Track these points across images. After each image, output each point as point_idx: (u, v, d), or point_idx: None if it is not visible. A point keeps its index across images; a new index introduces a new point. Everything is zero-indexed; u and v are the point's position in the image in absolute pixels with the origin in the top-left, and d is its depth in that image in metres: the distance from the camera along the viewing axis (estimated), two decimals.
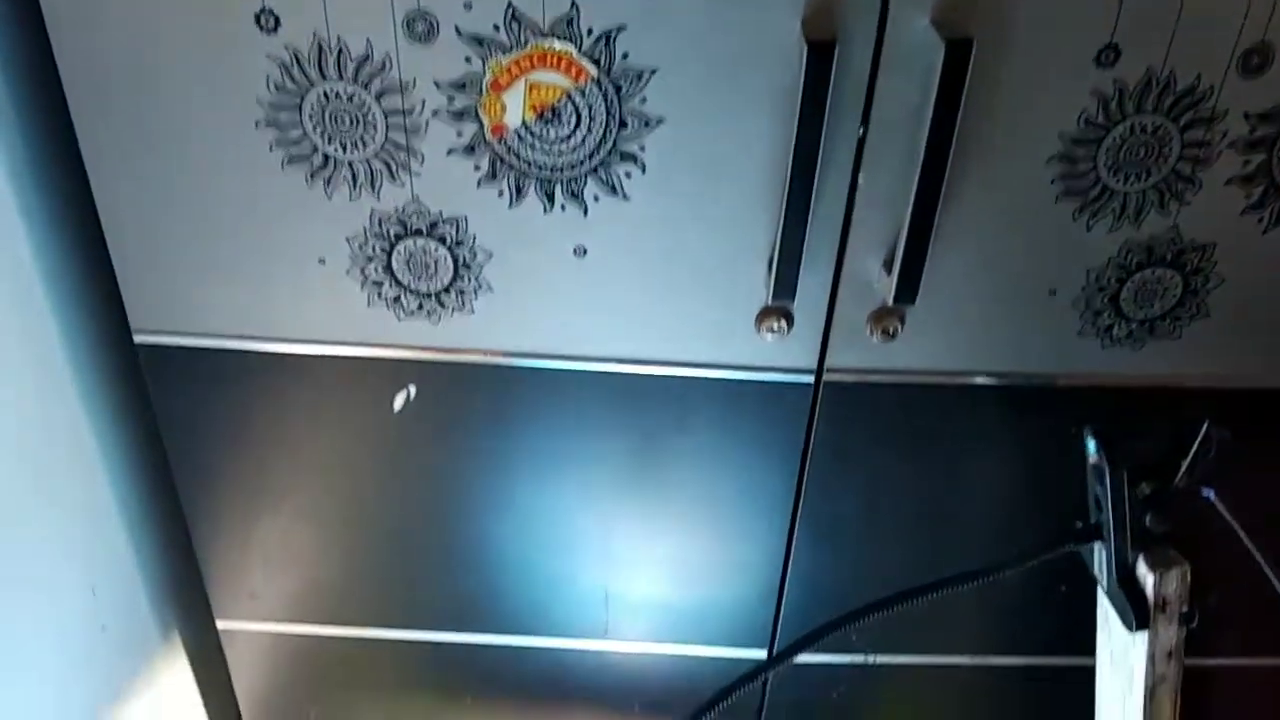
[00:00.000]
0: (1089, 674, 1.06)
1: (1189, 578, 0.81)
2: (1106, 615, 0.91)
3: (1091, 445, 0.81)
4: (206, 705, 1.26)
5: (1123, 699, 0.90)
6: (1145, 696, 0.86)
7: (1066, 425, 0.94)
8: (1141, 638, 0.85)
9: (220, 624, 1.17)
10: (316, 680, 1.21)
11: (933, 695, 1.21)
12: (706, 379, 0.95)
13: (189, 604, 1.19)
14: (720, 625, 1.16)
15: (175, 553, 1.17)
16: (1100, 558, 0.84)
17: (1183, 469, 0.81)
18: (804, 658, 1.19)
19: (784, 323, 0.90)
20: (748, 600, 1.14)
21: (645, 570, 1.12)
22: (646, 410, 0.98)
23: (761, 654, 1.18)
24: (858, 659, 1.18)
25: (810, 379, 0.96)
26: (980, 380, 0.95)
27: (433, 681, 1.21)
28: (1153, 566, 0.81)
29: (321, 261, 0.89)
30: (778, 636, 1.17)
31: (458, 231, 0.87)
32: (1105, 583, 0.85)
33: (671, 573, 1.13)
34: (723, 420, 0.98)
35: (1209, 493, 0.81)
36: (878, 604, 0.86)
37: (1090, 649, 1.05)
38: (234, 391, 0.98)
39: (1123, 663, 0.90)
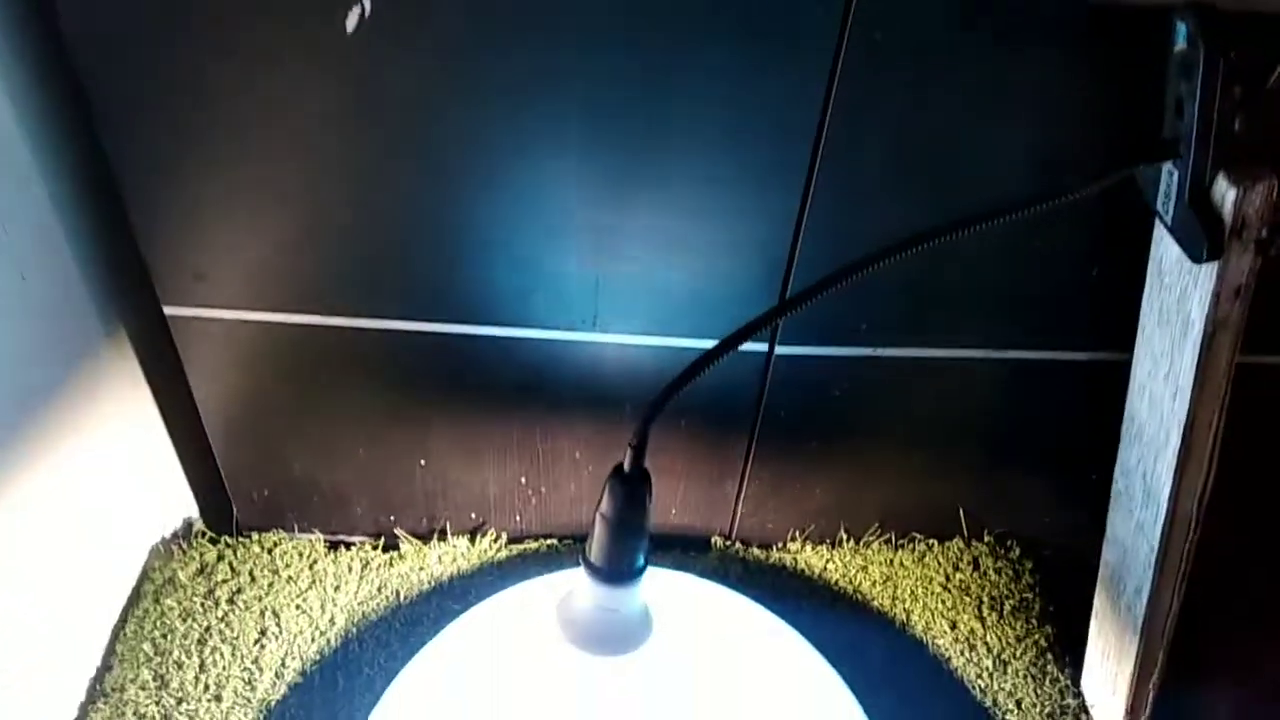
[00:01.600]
0: (1117, 370, 0.99)
1: (1276, 194, 0.71)
2: (1160, 264, 0.82)
3: (1182, 31, 0.68)
4: (158, 400, 1.16)
5: (1170, 355, 0.82)
6: (1201, 343, 0.77)
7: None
8: (1205, 276, 0.75)
9: (168, 310, 1.05)
10: (278, 374, 1.11)
11: (942, 393, 1.14)
12: None
13: (131, 289, 1.07)
14: (720, 316, 1.06)
15: (112, 230, 1.04)
16: (1170, 181, 0.74)
17: None
18: (806, 350, 1.10)
19: None
20: (750, 289, 1.04)
21: (640, 252, 1.01)
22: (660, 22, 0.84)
23: (762, 347, 1.09)
24: (864, 352, 1.09)
25: None
26: None
27: (402, 376, 1.11)
28: (1235, 181, 0.71)
29: None
30: (780, 330, 1.08)
31: None
32: (1173, 208, 0.74)
33: (669, 256, 1.02)
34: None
35: None
36: (910, 240, 0.75)
37: (1120, 342, 0.96)
38: (162, 28, 0.83)
39: (1174, 316, 0.81)
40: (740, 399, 1.16)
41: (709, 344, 1.11)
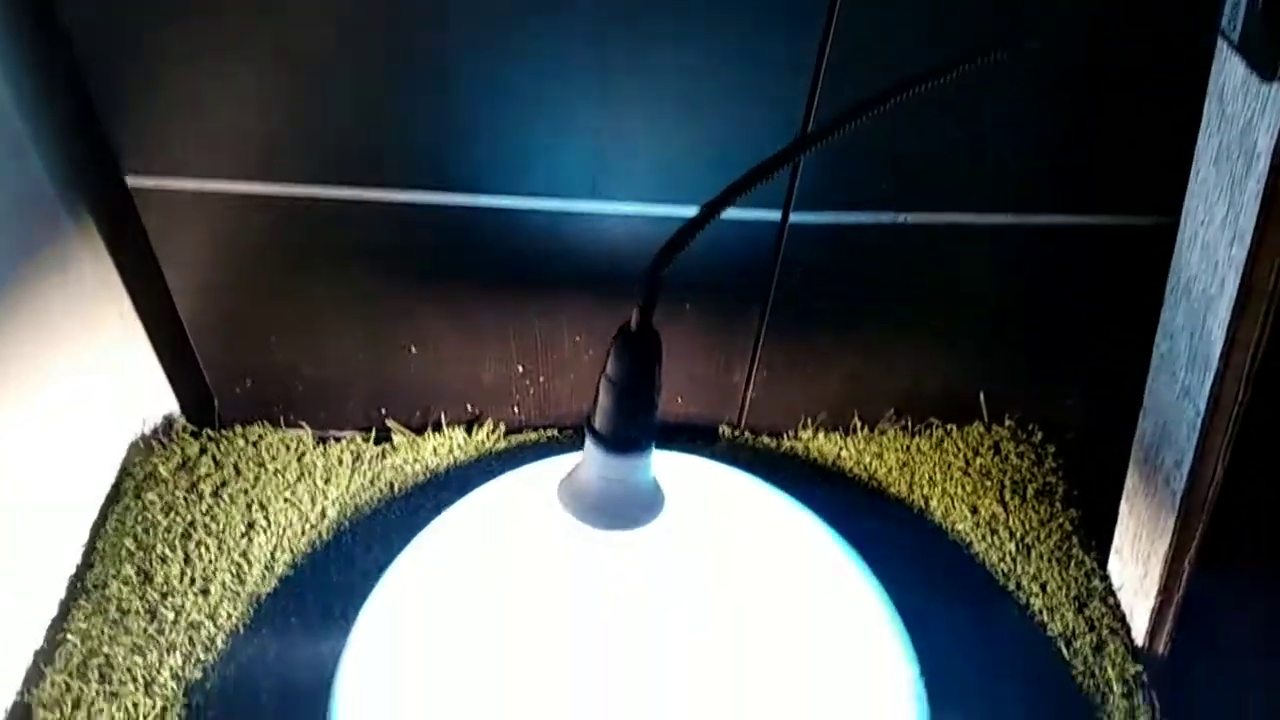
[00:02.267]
0: (1154, 235, 0.92)
1: None
2: (1222, 93, 0.74)
3: None
4: (129, 288, 1.09)
5: (1229, 196, 0.74)
6: (1267, 179, 0.70)
7: None
8: (1276, 99, 0.68)
9: (131, 182, 0.97)
10: (253, 254, 1.04)
11: (969, 263, 1.07)
12: None
13: (91, 159, 0.99)
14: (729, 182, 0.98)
15: (67, 92, 0.95)
16: None
17: None
18: (825, 217, 1.03)
19: None
20: (764, 151, 0.96)
21: (643, 109, 0.93)
22: None
23: (776, 215, 1.02)
24: (887, 218, 1.02)
25: None
26: None
27: (388, 254, 1.04)
28: None
29: None
30: (795, 194, 1.00)
31: None
32: (1242, 19, 0.67)
33: (675, 112, 0.93)
34: None
35: None
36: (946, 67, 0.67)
37: (1161, 206, 0.89)
38: None
39: (1236, 150, 0.73)
40: (751, 276, 1.08)
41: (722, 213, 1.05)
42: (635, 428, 0.74)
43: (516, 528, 0.97)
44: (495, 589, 0.98)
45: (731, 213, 1.00)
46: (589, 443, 0.76)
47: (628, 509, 0.78)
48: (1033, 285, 1.11)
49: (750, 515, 1.00)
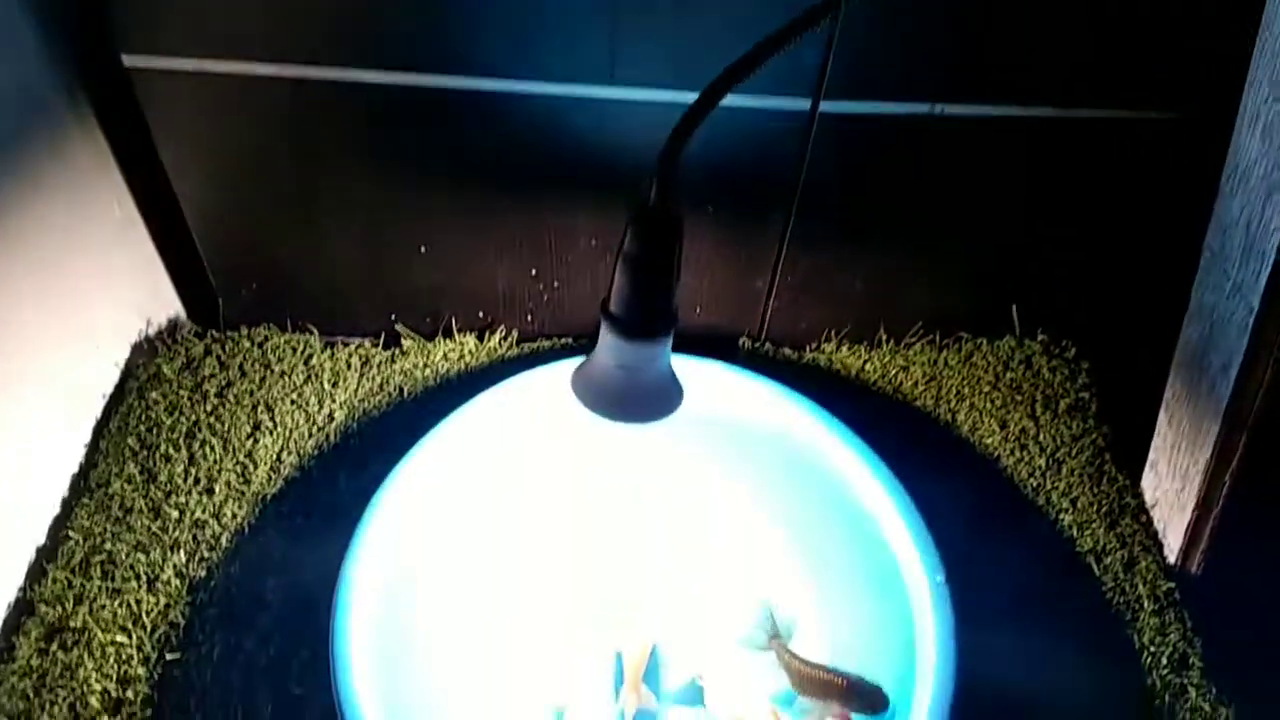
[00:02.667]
0: (1198, 131, 0.86)
1: None
2: None
3: None
4: (125, 171, 1.04)
5: None
6: None
7: None
8: None
9: (128, 61, 0.93)
10: (256, 142, 0.99)
11: (1003, 160, 1.01)
12: None
13: (86, 34, 0.94)
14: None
15: None
16: None
17: None
18: (858, 107, 0.97)
19: None
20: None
21: None
22: None
23: (805, 104, 0.96)
24: (922, 109, 0.96)
25: None
26: None
27: (396, 143, 0.99)
28: None
29: None
30: (827, 79, 0.94)
31: None
32: None
33: None
34: None
35: None
36: None
37: (1207, 98, 0.83)
38: None
39: None
40: (777, 175, 1.03)
41: (746, 101, 0.99)
42: (654, 311, 0.70)
43: (529, 422, 0.94)
44: (506, 485, 0.95)
45: (760, 101, 0.97)
46: (604, 329, 0.71)
47: (644, 399, 0.74)
48: (1071, 189, 1.06)
49: (770, 417, 0.96)
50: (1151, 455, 1.04)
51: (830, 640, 0.89)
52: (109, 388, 1.09)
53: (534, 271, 1.13)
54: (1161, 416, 1.00)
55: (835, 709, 0.82)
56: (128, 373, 1.10)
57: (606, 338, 0.72)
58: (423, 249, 1.09)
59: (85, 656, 0.87)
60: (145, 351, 1.12)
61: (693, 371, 0.94)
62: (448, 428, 0.91)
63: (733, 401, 0.97)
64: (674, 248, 0.68)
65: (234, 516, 0.98)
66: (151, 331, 1.14)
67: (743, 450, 0.96)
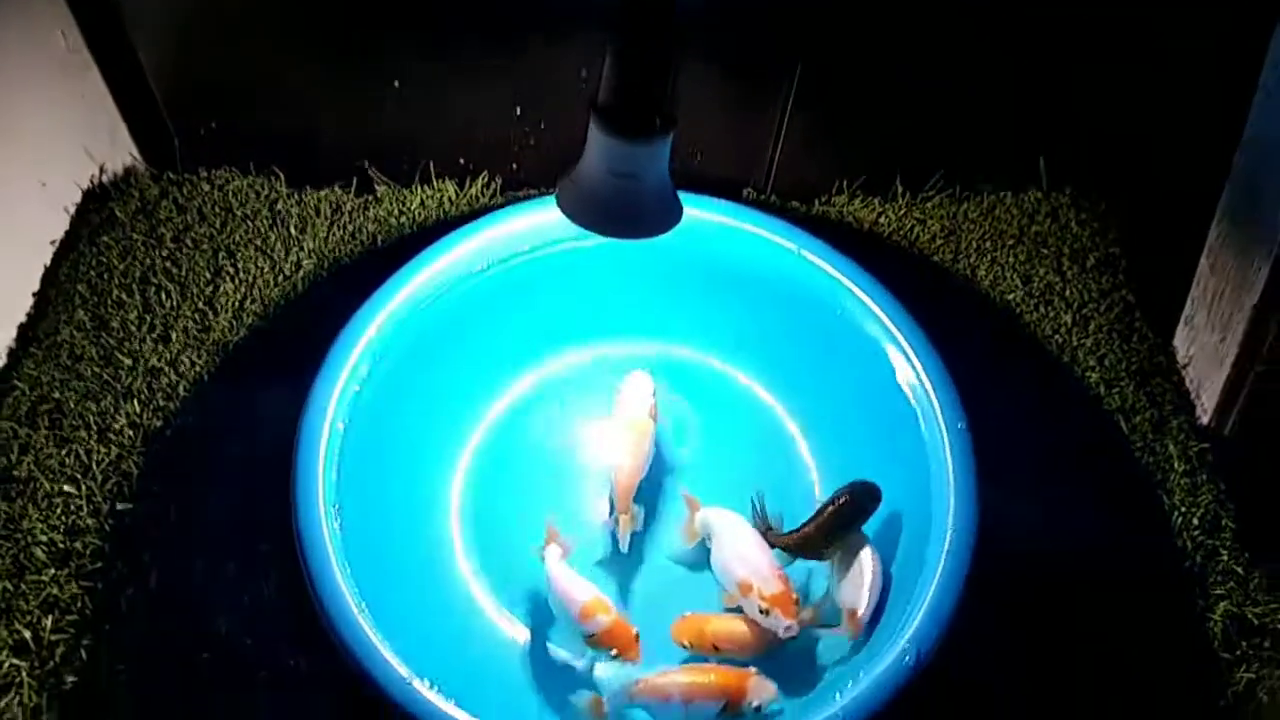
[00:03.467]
0: None
1: None
2: None
3: None
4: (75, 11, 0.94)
5: None
6: None
7: None
8: None
9: None
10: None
11: None
12: None
13: None
14: None
15: None
16: None
17: None
18: None
19: None
20: None
21: None
22: None
23: None
24: None
25: None
26: None
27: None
28: None
29: None
30: None
31: None
32: None
33: None
34: None
35: None
36: None
37: None
38: None
39: None
40: (785, 5, 0.93)
41: None
42: (649, 102, 0.61)
43: (507, 259, 0.85)
44: (478, 322, 0.87)
45: None
46: (594, 129, 0.63)
47: (642, 213, 0.66)
48: (1105, 28, 0.95)
49: (775, 259, 0.88)
50: (1187, 309, 0.96)
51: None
52: (59, 234, 1.00)
53: (518, 111, 1.03)
54: (1203, 263, 0.92)
55: (844, 546, 0.76)
56: (79, 219, 1.01)
57: (597, 139, 0.63)
58: (397, 84, 0.99)
59: (30, 507, 0.80)
60: (98, 196, 1.03)
61: (689, 206, 0.86)
62: (417, 266, 0.83)
63: (732, 240, 0.88)
64: (671, 32, 0.59)
65: (192, 365, 0.90)
66: (105, 178, 1.04)
67: (743, 292, 0.88)
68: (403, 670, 0.65)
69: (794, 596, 0.74)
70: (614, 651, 0.72)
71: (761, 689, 0.71)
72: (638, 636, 0.73)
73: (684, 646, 0.75)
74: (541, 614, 0.78)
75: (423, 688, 0.64)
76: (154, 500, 0.82)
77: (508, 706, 0.74)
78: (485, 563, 0.81)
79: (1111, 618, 0.82)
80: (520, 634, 0.78)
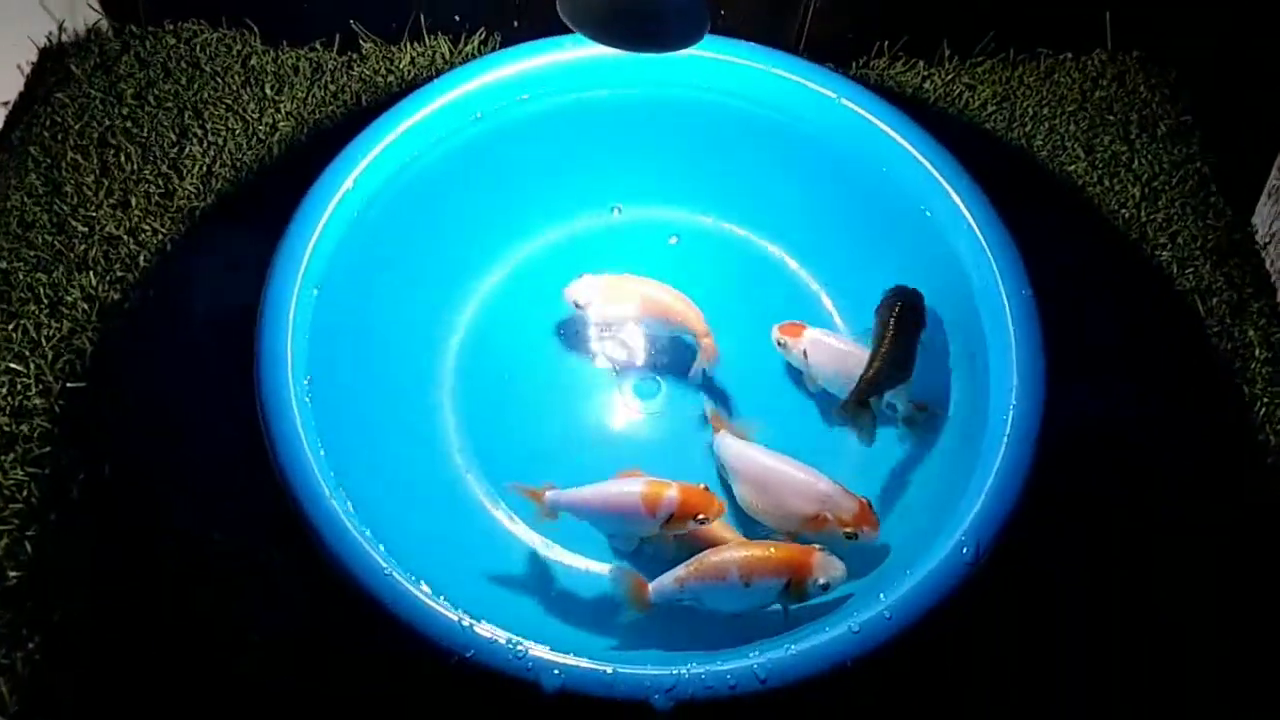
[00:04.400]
0: None
1: None
2: None
3: None
4: None
5: None
6: None
7: None
8: None
9: None
10: None
11: None
12: None
13: None
14: None
15: None
16: None
17: None
18: None
19: None
20: None
21: None
22: None
23: None
24: None
25: None
26: None
27: None
28: None
29: None
30: None
31: None
32: None
33: None
34: None
35: None
36: None
37: None
38: None
39: None
40: None
41: None
42: None
43: (496, 107, 0.75)
44: (476, 178, 0.77)
45: None
46: None
47: (660, 21, 0.55)
48: None
49: (814, 102, 0.77)
50: (1272, 180, 0.86)
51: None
52: (12, 95, 0.90)
53: None
54: None
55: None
56: (34, 79, 0.91)
57: None
58: None
59: None
60: (55, 54, 0.92)
61: (711, 50, 0.75)
62: (405, 111, 0.73)
63: (761, 85, 0.77)
64: None
65: (154, 233, 0.80)
66: (65, 36, 0.94)
67: (774, 148, 0.78)
68: (382, 562, 0.56)
69: (868, 500, 0.65)
70: (700, 516, 0.63)
71: (828, 565, 0.62)
72: (707, 486, 0.65)
73: None
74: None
75: (405, 580, 0.56)
76: (109, 380, 0.73)
77: (511, 610, 0.66)
78: (481, 448, 0.72)
79: (1184, 512, 0.73)
80: (525, 532, 0.70)
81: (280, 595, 0.66)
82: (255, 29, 0.94)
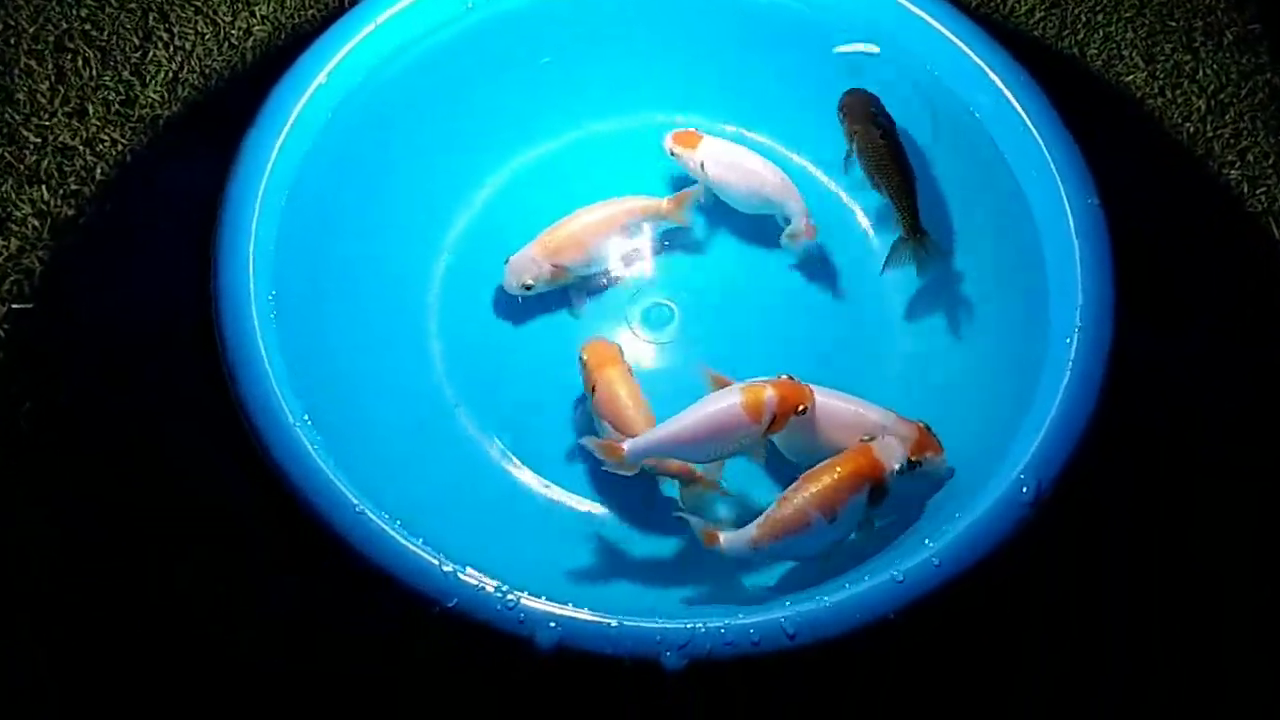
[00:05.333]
0: None
1: None
2: None
3: None
4: None
5: None
6: None
7: None
8: None
9: None
10: None
11: None
12: None
13: None
14: None
15: None
16: None
17: None
18: None
19: None
20: None
21: None
22: None
23: None
24: None
25: None
26: None
27: None
28: None
29: None
30: None
31: None
32: None
33: None
34: None
35: None
36: None
37: None
38: None
39: None
40: None
41: None
42: None
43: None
44: (462, 78, 0.69)
45: None
46: None
47: None
48: None
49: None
50: None
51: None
52: None
53: None
54: None
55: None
56: None
57: None
58: None
59: None
60: None
61: None
62: (378, 4, 0.65)
63: None
64: None
65: (113, 144, 0.73)
66: None
67: (800, 45, 0.69)
68: (352, 498, 0.49)
69: (925, 424, 0.58)
70: (801, 408, 0.56)
71: (891, 450, 0.55)
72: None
73: None
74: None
75: (378, 517, 0.48)
76: (61, 300, 0.66)
77: (502, 556, 0.58)
78: (473, 379, 0.64)
79: (1245, 454, 0.66)
80: (520, 470, 0.63)
81: (249, 534, 0.59)
82: None
